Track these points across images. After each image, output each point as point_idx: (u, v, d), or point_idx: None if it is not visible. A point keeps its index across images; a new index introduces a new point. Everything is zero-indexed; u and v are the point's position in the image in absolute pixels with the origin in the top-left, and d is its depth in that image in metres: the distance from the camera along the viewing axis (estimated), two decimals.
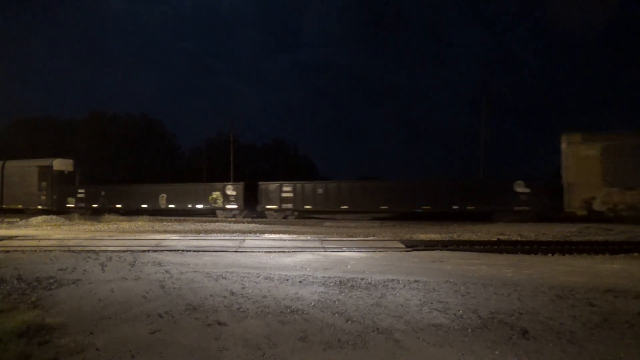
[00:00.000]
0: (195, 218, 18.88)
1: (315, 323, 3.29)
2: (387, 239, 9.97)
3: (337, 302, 3.91)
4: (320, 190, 18.45)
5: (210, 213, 20.22)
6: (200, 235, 10.97)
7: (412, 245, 8.34)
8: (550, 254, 7.38)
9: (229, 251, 7.71)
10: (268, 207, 18.99)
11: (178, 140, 47.73)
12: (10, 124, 40.17)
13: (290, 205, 18.73)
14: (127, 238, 9.79)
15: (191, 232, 12.10)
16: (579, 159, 14.54)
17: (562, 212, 15.02)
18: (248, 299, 4.05)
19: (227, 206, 19.68)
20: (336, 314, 3.53)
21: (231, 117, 52.23)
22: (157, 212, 20.45)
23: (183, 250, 7.62)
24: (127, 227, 13.85)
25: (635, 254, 7.26)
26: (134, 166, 38.30)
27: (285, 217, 18.57)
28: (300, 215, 18.74)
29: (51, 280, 4.86)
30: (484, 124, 27.85)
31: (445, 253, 7.46)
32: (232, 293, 4.27)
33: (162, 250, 7.62)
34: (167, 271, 5.51)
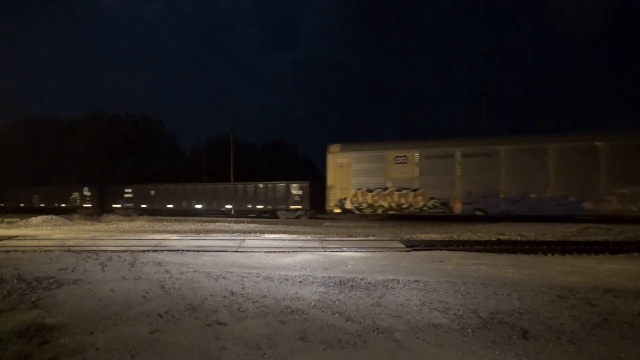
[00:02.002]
0: (196, 218, 19.34)
1: (315, 323, 3.29)
2: (387, 239, 9.96)
3: (337, 302, 3.91)
4: (152, 192, 22.14)
5: (72, 211, 22.79)
6: (200, 235, 10.97)
7: (412, 245, 8.34)
8: (550, 254, 7.38)
9: (229, 251, 7.71)
10: (114, 205, 22.66)
11: (178, 140, 47.85)
12: (11, 124, 40.14)
13: (130, 204, 22.37)
14: (127, 238, 9.79)
15: (191, 232, 12.10)
16: (337, 165, 17.36)
17: (325, 211, 17.83)
18: (248, 299, 4.05)
19: (84, 205, 23.38)
20: (336, 314, 3.53)
21: (231, 117, 52.41)
22: (32, 210, 23.47)
23: (183, 250, 7.62)
24: (127, 227, 13.85)
25: (635, 254, 7.26)
26: (134, 166, 38.31)
27: (128, 215, 20.88)
28: (140, 213, 21.47)
29: (51, 280, 4.86)
30: (484, 124, 27.90)
31: (445, 253, 7.45)
32: (232, 293, 4.27)
33: (162, 250, 7.62)
34: (167, 271, 5.51)
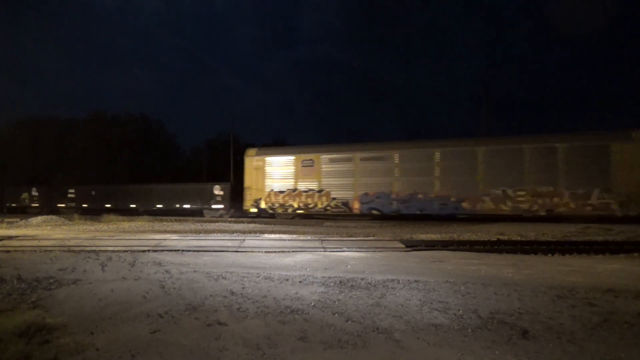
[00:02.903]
0: (195, 218, 19.47)
1: (315, 323, 3.29)
2: (387, 239, 9.96)
3: (337, 302, 3.91)
4: (93, 192, 24.38)
5: (22, 210, 25.09)
6: (200, 235, 10.97)
7: (412, 245, 8.34)
8: (550, 254, 7.38)
9: (229, 251, 7.71)
10: (59, 205, 24.63)
11: (178, 140, 47.92)
12: (11, 124, 40.14)
13: (73, 204, 24.37)
14: (127, 238, 9.79)
15: (191, 232, 12.10)
16: (253, 168, 18.98)
17: (242, 210, 19.47)
18: (248, 298, 4.05)
19: (32, 204, 25.55)
20: (336, 314, 3.53)
21: (231, 117, 52.71)
22: None
23: (183, 250, 7.62)
24: (127, 227, 13.85)
25: (635, 254, 7.27)
26: (134, 166, 38.32)
27: (72, 214, 21.95)
28: (82, 212, 22.74)
29: (51, 280, 4.86)
30: (484, 124, 27.91)
31: (445, 253, 7.45)
32: (232, 293, 4.27)
33: (162, 250, 7.62)
34: (167, 271, 5.51)
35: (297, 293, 4.27)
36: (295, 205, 18.12)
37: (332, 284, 4.68)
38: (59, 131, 39.50)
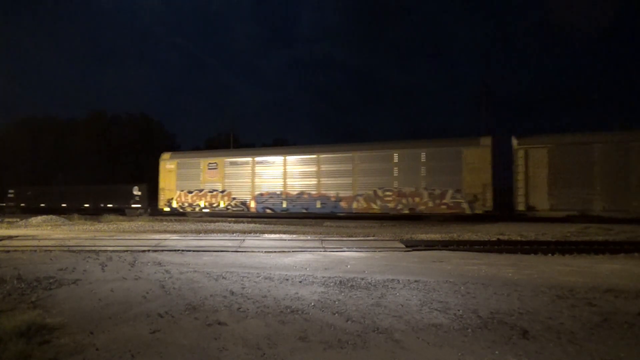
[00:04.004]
0: (192, 218, 19.51)
1: (315, 323, 3.29)
2: (387, 238, 9.96)
3: (337, 302, 3.91)
4: (29, 192, 25.86)
5: None
6: (200, 235, 10.96)
7: (412, 245, 8.33)
8: (550, 254, 7.37)
9: (229, 251, 7.71)
10: (8, 204, 26.07)
11: (178, 140, 47.90)
12: (11, 124, 40.12)
13: (12, 203, 25.89)
14: (127, 238, 9.79)
15: (191, 232, 12.10)
16: (166, 171, 20.63)
17: (158, 209, 20.90)
18: (248, 298, 4.05)
19: None
20: (336, 314, 3.53)
21: (231, 117, 52.80)
22: None
23: (183, 250, 7.62)
24: (127, 227, 13.85)
25: (635, 254, 7.26)
26: (134, 166, 38.30)
27: (23, 212, 23.29)
28: (22, 211, 24.06)
29: (51, 280, 4.86)
30: (484, 123, 27.95)
31: (445, 253, 7.45)
32: (232, 293, 4.27)
33: (162, 250, 7.62)
34: (167, 271, 5.51)
35: (297, 293, 4.28)
36: (202, 205, 19.70)
37: (332, 284, 4.68)
38: (59, 131, 39.48)
